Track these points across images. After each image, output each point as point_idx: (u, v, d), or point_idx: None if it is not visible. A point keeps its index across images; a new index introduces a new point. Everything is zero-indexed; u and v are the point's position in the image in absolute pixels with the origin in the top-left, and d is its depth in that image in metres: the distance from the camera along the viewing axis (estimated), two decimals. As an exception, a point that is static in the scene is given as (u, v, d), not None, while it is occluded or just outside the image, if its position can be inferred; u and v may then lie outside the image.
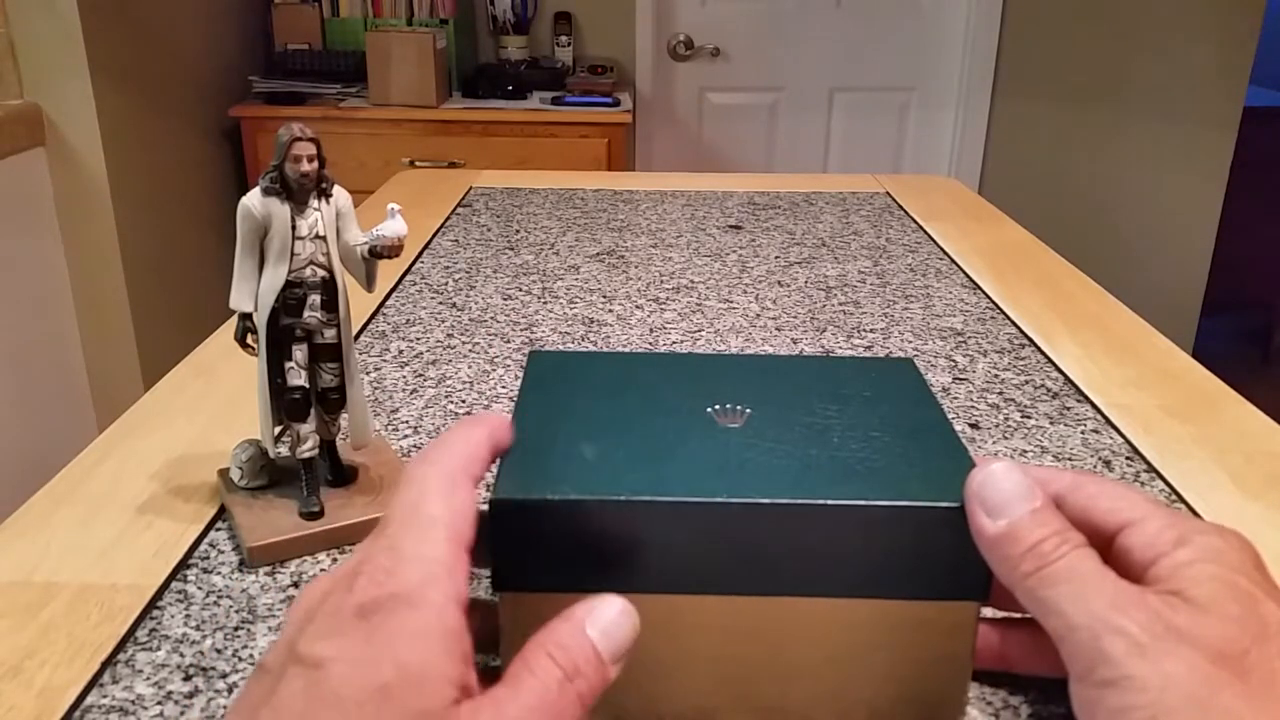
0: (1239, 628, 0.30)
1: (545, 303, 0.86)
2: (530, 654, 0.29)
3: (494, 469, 0.36)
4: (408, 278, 0.92)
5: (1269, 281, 3.28)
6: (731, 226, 1.10)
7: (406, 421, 0.64)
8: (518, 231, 1.07)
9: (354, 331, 0.57)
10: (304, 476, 0.50)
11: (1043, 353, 0.77)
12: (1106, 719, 0.30)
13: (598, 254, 1.00)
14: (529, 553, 0.34)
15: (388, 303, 0.86)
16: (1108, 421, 0.66)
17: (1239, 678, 0.29)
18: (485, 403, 0.66)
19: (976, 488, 0.34)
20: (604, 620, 0.30)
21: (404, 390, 0.68)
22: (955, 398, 0.69)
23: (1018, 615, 0.41)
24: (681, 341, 0.78)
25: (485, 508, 0.34)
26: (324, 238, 0.48)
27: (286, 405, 0.49)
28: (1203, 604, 0.30)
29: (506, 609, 0.36)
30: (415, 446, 0.60)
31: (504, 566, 0.35)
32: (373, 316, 0.82)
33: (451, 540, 0.30)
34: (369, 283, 0.51)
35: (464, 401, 0.67)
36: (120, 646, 0.43)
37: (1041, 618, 0.32)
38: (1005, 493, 0.33)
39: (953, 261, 0.99)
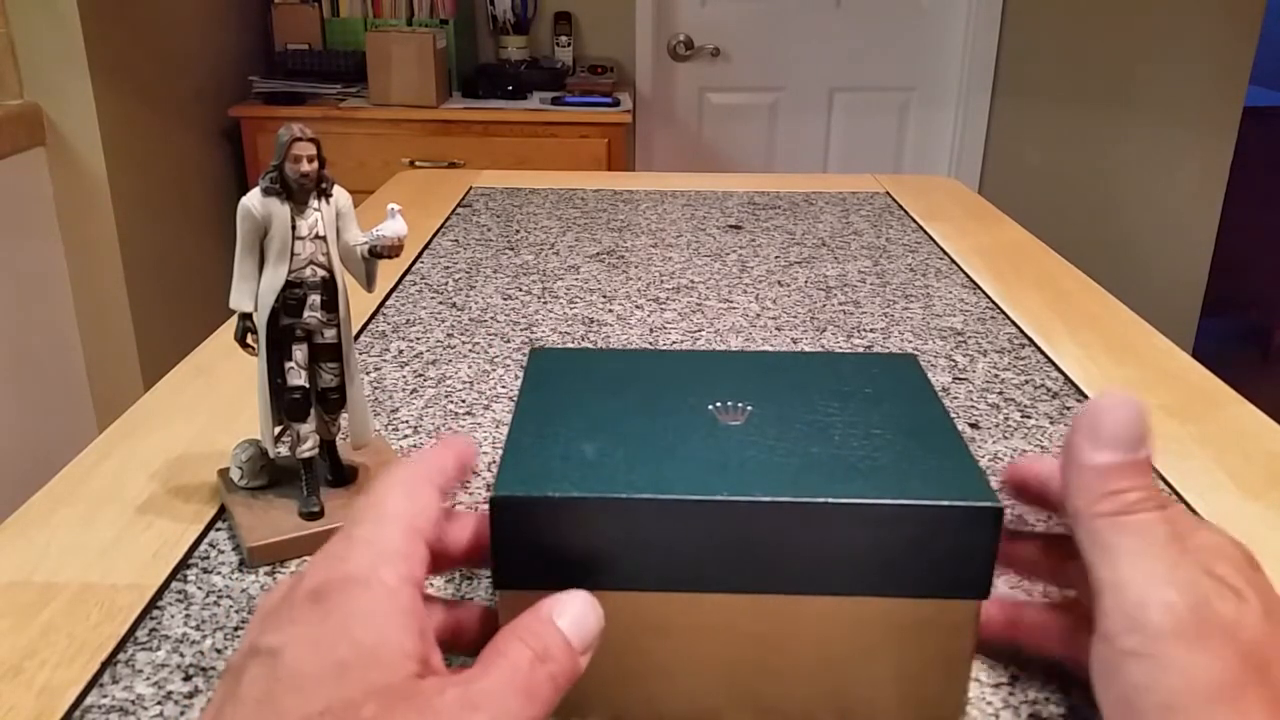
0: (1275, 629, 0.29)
1: (545, 303, 0.86)
2: (501, 639, 0.29)
3: (494, 470, 0.36)
4: (408, 278, 0.92)
5: (1269, 281, 3.28)
6: (731, 226, 1.10)
7: (406, 421, 0.64)
8: (518, 231, 1.07)
9: (354, 331, 0.57)
10: (304, 476, 0.50)
11: (1043, 353, 0.77)
12: (1123, 690, 0.29)
13: (598, 254, 1.00)
14: (529, 551, 0.34)
15: (388, 303, 0.86)
16: (1108, 421, 0.66)
17: (1263, 681, 0.28)
18: (485, 403, 0.66)
19: (1095, 411, 0.33)
20: (571, 612, 0.31)
21: (404, 390, 0.68)
22: (955, 397, 0.69)
23: (1027, 599, 0.42)
24: (681, 341, 0.78)
25: (485, 508, 0.34)
26: (324, 238, 0.48)
27: (286, 405, 0.49)
28: (1247, 597, 0.30)
29: (507, 607, 0.35)
30: (415, 446, 0.60)
31: (504, 564, 0.35)
32: (373, 316, 0.82)
33: (407, 531, 0.30)
34: (369, 283, 0.51)
35: (464, 401, 0.67)
36: (120, 646, 0.43)
37: (1094, 562, 0.32)
38: (1120, 429, 0.32)
39: (953, 261, 0.99)
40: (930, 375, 0.72)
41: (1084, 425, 0.33)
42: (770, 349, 0.76)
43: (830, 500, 0.34)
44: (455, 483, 0.35)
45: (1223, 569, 0.30)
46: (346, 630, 0.27)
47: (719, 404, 0.40)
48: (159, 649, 0.42)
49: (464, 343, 0.77)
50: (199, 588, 0.47)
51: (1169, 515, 0.32)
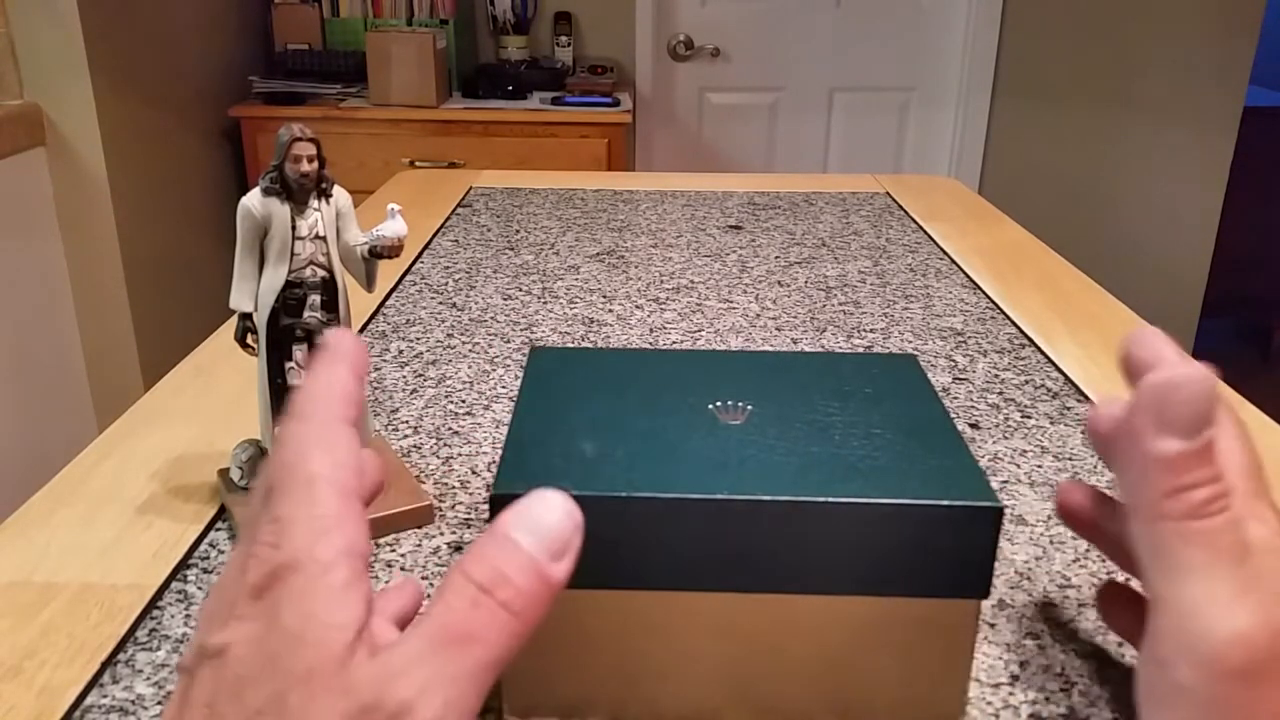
0: None
1: (545, 303, 0.86)
2: (446, 579, 0.26)
3: (494, 469, 0.36)
4: (408, 278, 0.92)
5: (1269, 281, 3.28)
6: (731, 226, 1.10)
7: (406, 421, 0.64)
8: (518, 231, 1.07)
9: (354, 331, 0.57)
10: (304, 476, 0.50)
11: (1043, 353, 0.77)
12: (1160, 715, 0.27)
13: (598, 254, 1.00)
14: (529, 552, 0.34)
15: (388, 303, 0.86)
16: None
17: None
18: (485, 403, 0.66)
19: (1163, 388, 0.29)
20: (530, 518, 0.27)
21: (404, 390, 0.68)
22: (955, 398, 0.69)
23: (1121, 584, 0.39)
24: (681, 341, 0.78)
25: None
26: (324, 238, 0.48)
27: (286, 405, 0.49)
28: None
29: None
30: (415, 447, 0.60)
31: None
32: (373, 316, 0.82)
33: (336, 494, 0.27)
34: (369, 283, 0.51)
35: (464, 401, 0.67)
36: (120, 646, 0.43)
37: (1152, 571, 0.28)
38: (1191, 409, 0.28)
39: (953, 261, 0.99)
40: (930, 375, 0.72)
41: (1149, 404, 0.29)
42: (770, 349, 0.76)
43: (830, 500, 0.34)
44: (361, 400, 0.31)
45: None
46: (277, 621, 0.25)
47: (719, 403, 0.40)
48: (159, 649, 0.42)
49: (464, 343, 0.77)
50: (199, 588, 0.47)
51: (1237, 516, 0.28)
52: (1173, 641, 0.27)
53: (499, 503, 0.34)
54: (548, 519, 0.27)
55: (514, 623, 0.25)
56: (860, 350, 0.77)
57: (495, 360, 0.74)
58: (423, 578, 0.47)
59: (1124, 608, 0.38)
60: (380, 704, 0.23)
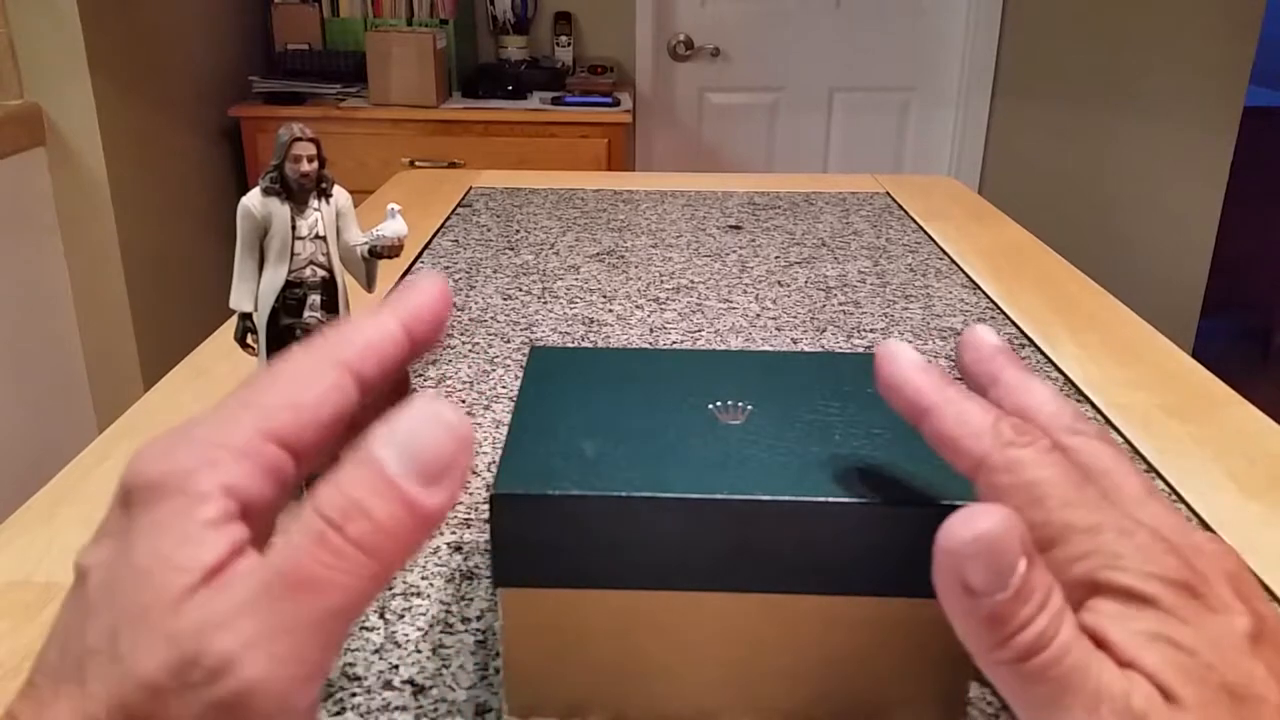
0: None
1: (545, 303, 0.86)
2: (300, 510, 0.22)
3: (494, 469, 0.36)
4: (408, 278, 0.92)
5: (1269, 281, 3.28)
6: (731, 226, 1.10)
7: (406, 421, 0.64)
8: (518, 231, 1.07)
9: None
10: (304, 476, 0.50)
11: (1043, 353, 0.77)
12: None
13: (598, 254, 1.00)
14: (529, 548, 0.34)
15: (388, 302, 0.86)
16: (1108, 421, 0.66)
17: None
18: (485, 403, 0.66)
19: (962, 552, 0.25)
20: (401, 432, 0.22)
21: (404, 390, 0.68)
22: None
23: None
24: (681, 341, 0.78)
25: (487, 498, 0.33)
26: (324, 238, 0.48)
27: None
28: (1189, 707, 0.24)
29: (507, 605, 0.36)
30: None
31: (504, 562, 0.35)
32: (373, 316, 0.82)
33: (259, 430, 0.23)
34: (369, 283, 0.51)
35: (464, 401, 0.67)
36: (120, 646, 0.43)
37: (1011, 704, 0.27)
38: (1001, 564, 0.25)
39: (953, 261, 0.99)
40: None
41: (948, 572, 0.26)
42: (770, 349, 0.76)
43: (830, 500, 0.34)
44: (392, 356, 0.26)
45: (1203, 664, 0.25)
46: (130, 549, 0.22)
47: (719, 403, 0.40)
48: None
49: (464, 343, 0.77)
50: (199, 587, 0.47)
51: (1070, 626, 0.26)
52: None
53: (500, 502, 0.34)
54: (423, 434, 0.22)
55: (369, 564, 0.21)
56: (860, 350, 0.77)
57: (495, 360, 0.74)
58: (422, 578, 0.47)
59: None
60: (199, 656, 0.20)
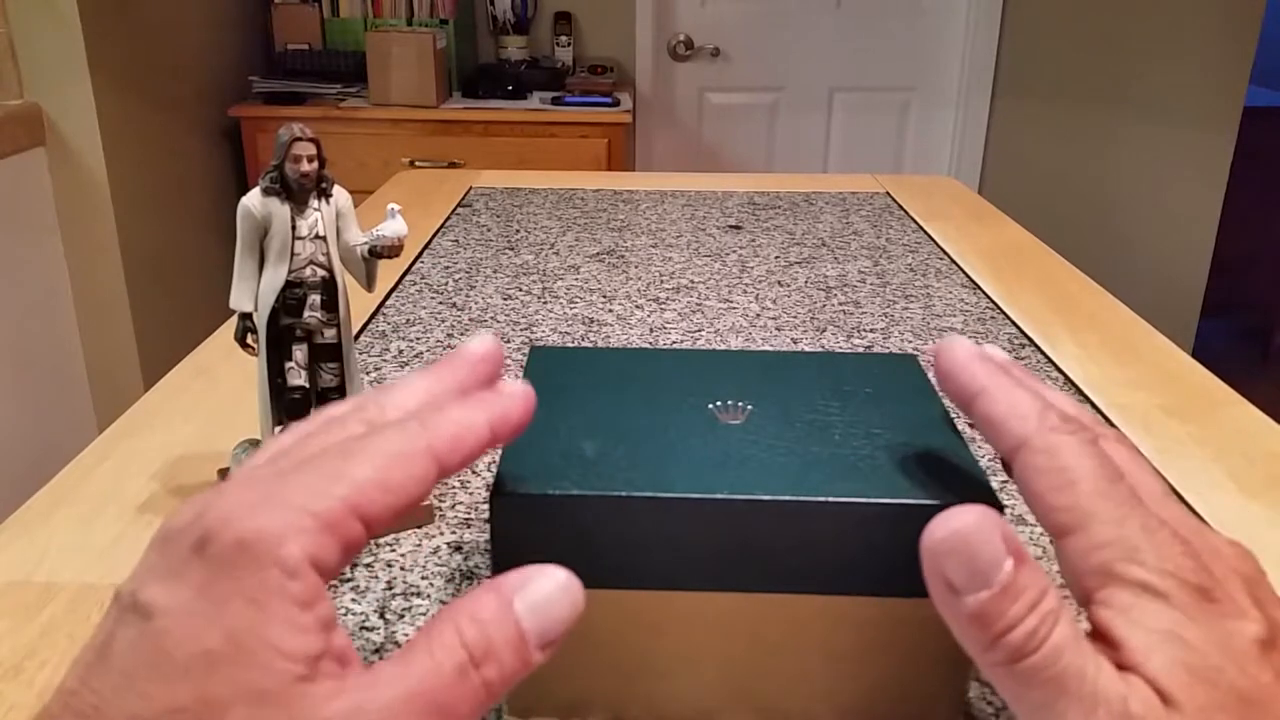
0: None
1: (545, 303, 0.86)
2: (436, 625, 0.24)
3: (493, 469, 0.36)
4: (408, 278, 0.92)
5: (1269, 281, 3.28)
6: (731, 226, 1.10)
7: (406, 421, 0.64)
8: (518, 231, 1.07)
9: (354, 331, 0.57)
10: (304, 476, 0.50)
11: (1043, 353, 0.77)
12: None
13: (598, 254, 1.00)
14: (528, 549, 0.34)
15: (388, 303, 0.86)
16: (1108, 421, 0.66)
17: None
18: (485, 402, 0.66)
19: (938, 555, 0.26)
20: (537, 595, 0.25)
21: (404, 390, 0.68)
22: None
23: None
24: (681, 341, 0.78)
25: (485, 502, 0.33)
26: (324, 238, 0.48)
27: (286, 405, 0.49)
28: (1187, 712, 0.24)
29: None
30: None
31: (503, 562, 0.35)
32: (373, 316, 0.82)
33: (348, 508, 0.24)
34: (369, 283, 0.51)
35: (464, 401, 0.67)
36: (120, 646, 0.43)
37: (1010, 706, 0.27)
38: (979, 560, 0.26)
39: (953, 261, 0.99)
40: (931, 375, 0.72)
41: (935, 570, 0.27)
42: (770, 349, 0.76)
43: (831, 499, 0.34)
44: (473, 457, 0.27)
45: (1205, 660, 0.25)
46: (222, 614, 0.22)
47: (719, 403, 0.40)
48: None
49: (464, 343, 0.77)
50: (199, 587, 0.47)
51: (1067, 629, 0.26)
52: None
53: (499, 502, 0.34)
54: (556, 607, 0.25)
55: (488, 701, 0.24)
56: (860, 350, 0.77)
57: (495, 360, 0.74)
58: (422, 578, 0.47)
59: None
60: None
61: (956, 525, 0.26)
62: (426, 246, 1.02)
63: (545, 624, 0.25)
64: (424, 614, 0.45)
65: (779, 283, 0.92)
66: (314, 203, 0.47)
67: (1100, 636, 0.26)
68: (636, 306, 0.85)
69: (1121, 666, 0.25)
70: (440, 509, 0.53)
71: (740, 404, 0.40)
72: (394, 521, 0.26)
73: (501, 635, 0.24)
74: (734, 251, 1.01)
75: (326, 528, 0.24)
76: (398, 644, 0.43)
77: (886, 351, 0.77)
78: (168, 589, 0.23)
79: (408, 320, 0.82)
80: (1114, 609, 0.26)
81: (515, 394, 0.29)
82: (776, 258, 0.99)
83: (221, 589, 0.23)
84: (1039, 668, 0.25)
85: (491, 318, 0.82)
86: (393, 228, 0.49)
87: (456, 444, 0.27)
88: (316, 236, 0.47)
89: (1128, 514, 0.27)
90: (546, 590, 0.25)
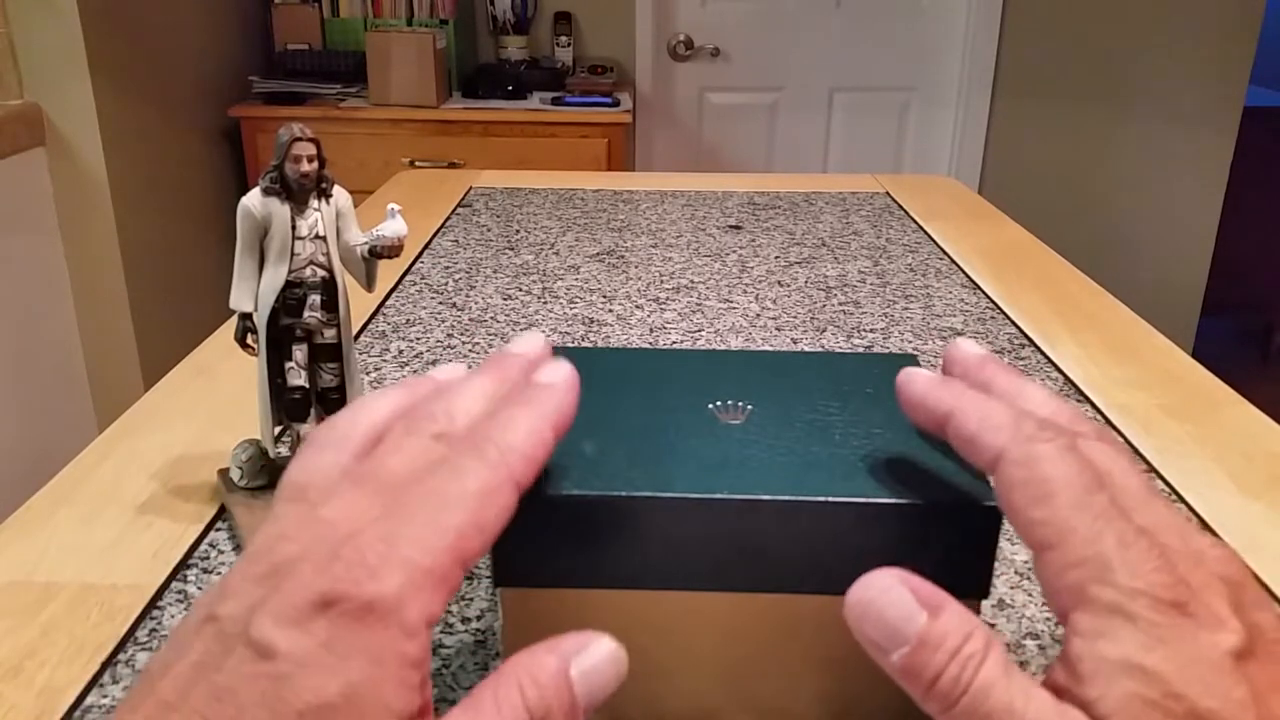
0: None
1: (545, 303, 0.86)
2: (501, 683, 0.26)
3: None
4: (408, 278, 0.92)
5: (1269, 281, 3.28)
6: (731, 226, 1.10)
7: (406, 421, 0.64)
8: (518, 231, 1.07)
9: (354, 331, 0.57)
10: (304, 476, 0.50)
11: (1043, 353, 0.77)
12: None
13: (598, 254, 1.00)
14: (529, 548, 0.34)
15: (388, 303, 0.86)
16: (1108, 421, 0.66)
17: None
18: (485, 402, 0.66)
19: (855, 616, 0.28)
20: (591, 661, 0.27)
21: (404, 390, 0.68)
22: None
23: None
24: (681, 341, 0.78)
25: None
26: (324, 238, 0.48)
27: (286, 405, 0.49)
28: None
29: (507, 605, 0.36)
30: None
31: (504, 562, 0.35)
32: (373, 316, 0.82)
33: (456, 558, 0.26)
34: (369, 283, 0.51)
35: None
36: (120, 646, 0.43)
37: None
38: (890, 620, 0.27)
39: (953, 261, 0.99)
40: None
41: (860, 630, 0.28)
42: (770, 349, 0.77)
43: (831, 499, 0.34)
44: (541, 468, 0.29)
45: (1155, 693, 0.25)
46: (344, 670, 0.24)
47: (719, 403, 0.40)
48: (159, 649, 0.42)
49: (464, 343, 0.77)
50: (199, 588, 0.47)
51: (992, 662, 0.26)
52: None
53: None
54: (604, 677, 0.27)
55: None
56: (860, 350, 0.77)
57: (495, 360, 0.74)
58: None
59: None
60: None
61: (862, 594, 0.28)
62: (426, 246, 1.02)
63: (593, 691, 0.27)
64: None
65: (779, 283, 0.92)
66: (314, 203, 0.47)
67: (1066, 664, 0.26)
68: (636, 306, 0.85)
69: (1078, 702, 0.25)
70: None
71: (740, 404, 0.40)
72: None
73: (559, 700, 0.26)
74: (734, 251, 1.01)
75: (439, 583, 0.25)
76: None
77: (886, 351, 0.77)
78: (290, 636, 0.24)
79: (408, 320, 0.82)
80: (1081, 636, 0.26)
81: (565, 386, 0.30)
82: (776, 258, 0.99)
83: (346, 646, 0.24)
84: (970, 710, 0.26)
85: (491, 318, 0.82)
86: (393, 228, 0.49)
87: (531, 464, 0.28)
88: (316, 236, 0.47)
89: (1104, 528, 0.27)
90: (597, 659, 0.27)
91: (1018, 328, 0.82)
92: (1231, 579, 0.27)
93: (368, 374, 0.71)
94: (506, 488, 0.27)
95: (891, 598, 0.27)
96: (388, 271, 0.89)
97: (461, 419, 0.29)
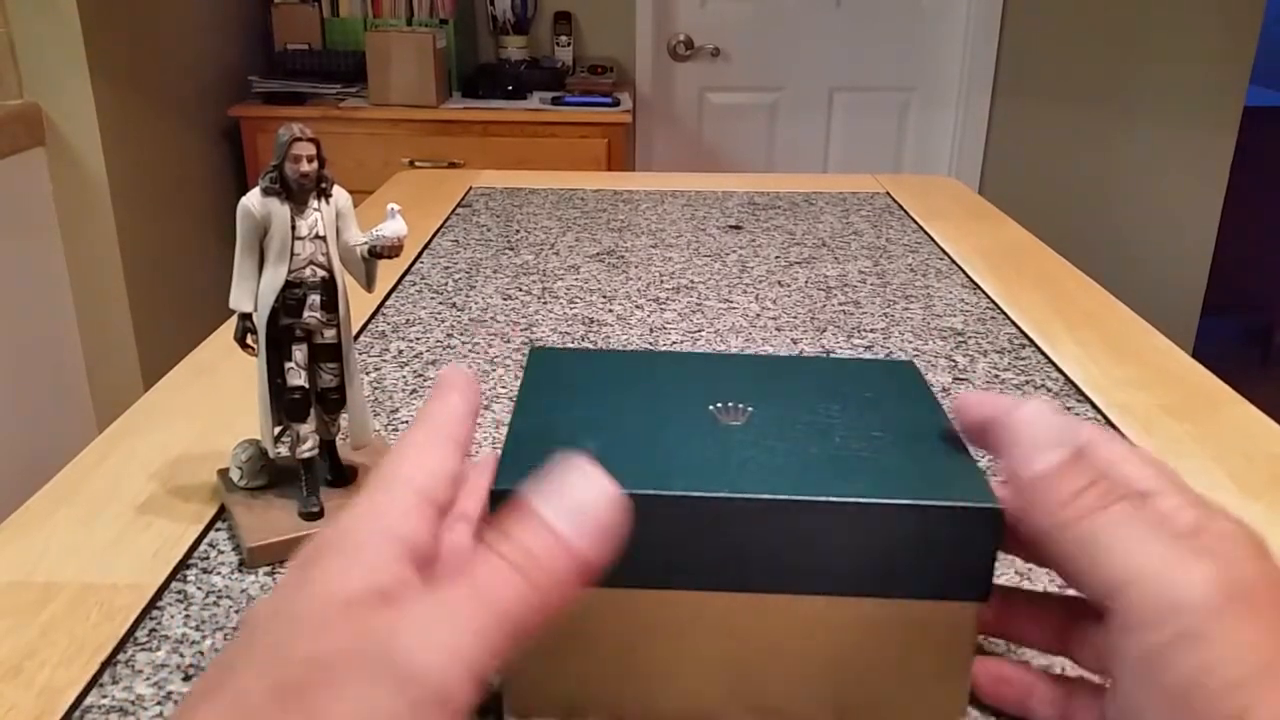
0: None
1: (545, 303, 0.86)
2: (477, 551, 0.26)
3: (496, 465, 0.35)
4: (408, 278, 0.92)
5: (1269, 281, 3.28)
6: (731, 226, 1.10)
7: (406, 421, 0.64)
8: (518, 231, 1.07)
9: (354, 331, 0.57)
10: (304, 477, 0.50)
11: (1043, 353, 0.77)
12: (1180, 677, 0.27)
13: (598, 254, 1.00)
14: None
15: (388, 303, 0.86)
16: (1108, 421, 0.66)
17: None
18: (485, 403, 0.66)
19: (1014, 425, 0.32)
20: (563, 495, 0.27)
21: (404, 390, 0.68)
22: (956, 398, 0.69)
23: (1012, 587, 0.41)
24: (681, 342, 0.78)
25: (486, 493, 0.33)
26: (324, 238, 0.48)
27: (286, 405, 0.49)
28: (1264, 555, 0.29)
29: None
30: (415, 446, 0.60)
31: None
32: (373, 316, 0.82)
33: (410, 491, 0.28)
34: (369, 283, 0.51)
35: (464, 401, 0.67)
36: (120, 647, 0.43)
37: (1089, 567, 0.30)
38: (1044, 434, 0.31)
39: (953, 261, 0.99)
40: (930, 375, 0.72)
41: (1016, 439, 0.32)
42: (770, 349, 0.76)
43: (830, 500, 0.34)
44: (471, 427, 0.32)
45: (1224, 542, 0.29)
46: (301, 586, 0.25)
47: (719, 405, 0.40)
48: (159, 649, 0.42)
49: (464, 343, 0.77)
50: (199, 588, 0.47)
51: (1140, 505, 0.30)
52: (1147, 606, 0.28)
53: (500, 499, 0.34)
54: (585, 499, 0.27)
55: (543, 602, 0.26)
56: (860, 350, 0.77)
57: (495, 360, 0.74)
58: (423, 578, 0.47)
59: (1027, 619, 0.38)
60: (388, 657, 0.23)
61: (1039, 400, 0.33)
62: (426, 246, 1.02)
63: (579, 518, 0.27)
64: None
65: (779, 283, 0.92)
66: (314, 203, 0.47)
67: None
68: (636, 306, 0.85)
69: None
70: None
71: (740, 406, 0.40)
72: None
73: (535, 539, 0.26)
74: (734, 251, 1.01)
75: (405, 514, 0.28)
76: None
77: (886, 351, 0.77)
78: (272, 599, 0.26)
79: (408, 320, 0.82)
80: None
81: (456, 383, 0.33)
82: (776, 258, 0.99)
83: (307, 571, 0.26)
84: (1118, 517, 0.30)
85: (491, 318, 0.82)
86: (392, 228, 0.48)
87: (465, 429, 0.32)
88: (316, 236, 0.47)
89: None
90: (572, 487, 0.28)
91: (1018, 328, 0.82)
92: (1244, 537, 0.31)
93: (368, 374, 0.71)
94: (438, 438, 0.31)
95: (1052, 420, 0.32)
96: (387, 271, 0.89)
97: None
